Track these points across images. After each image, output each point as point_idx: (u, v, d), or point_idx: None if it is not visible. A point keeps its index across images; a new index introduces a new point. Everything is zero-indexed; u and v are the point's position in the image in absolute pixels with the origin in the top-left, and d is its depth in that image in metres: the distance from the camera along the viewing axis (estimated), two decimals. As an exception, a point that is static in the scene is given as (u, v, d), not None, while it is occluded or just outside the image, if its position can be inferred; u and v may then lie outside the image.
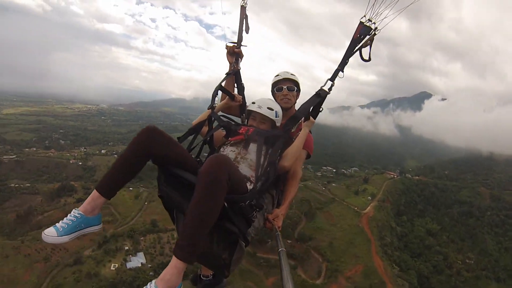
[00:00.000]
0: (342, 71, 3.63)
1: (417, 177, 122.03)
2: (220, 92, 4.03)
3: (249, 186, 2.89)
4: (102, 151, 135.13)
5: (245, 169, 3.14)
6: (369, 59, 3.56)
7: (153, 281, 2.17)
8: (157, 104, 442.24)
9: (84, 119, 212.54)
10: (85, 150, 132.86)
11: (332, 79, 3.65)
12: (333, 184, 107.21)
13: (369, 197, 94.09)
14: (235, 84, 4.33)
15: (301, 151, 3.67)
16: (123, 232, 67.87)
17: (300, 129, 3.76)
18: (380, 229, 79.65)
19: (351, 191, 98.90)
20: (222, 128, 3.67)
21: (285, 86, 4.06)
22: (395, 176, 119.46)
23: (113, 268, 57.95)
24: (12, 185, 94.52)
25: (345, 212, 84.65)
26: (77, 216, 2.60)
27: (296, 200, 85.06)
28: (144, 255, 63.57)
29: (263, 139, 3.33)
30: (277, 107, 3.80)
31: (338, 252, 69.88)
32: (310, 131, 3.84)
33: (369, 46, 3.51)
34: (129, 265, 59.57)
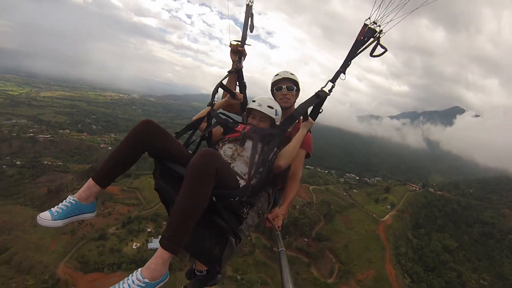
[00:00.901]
0: (344, 73, 3.72)
1: (439, 192, 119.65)
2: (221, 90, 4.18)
3: (242, 183, 2.98)
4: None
5: (241, 166, 3.19)
6: (385, 50, 3.59)
7: (139, 269, 2.29)
8: (188, 98, 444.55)
9: (115, 107, 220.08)
10: (115, 136, 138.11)
11: (333, 80, 3.73)
12: (355, 190, 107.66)
13: (388, 206, 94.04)
14: (237, 82, 4.41)
15: (300, 151, 3.75)
16: (147, 216, 71.15)
17: (299, 129, 3.83)
18: (396, 238, 79.79)
19: (371, 199, 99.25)
20: (220, 125, 3.76)
21: (284, 86, 4.10)
22: (417, 189, 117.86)
23: (135, 247, 61.30)
24: (46, 162, 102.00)
25: (363, 218, 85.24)
26: (72, 202, 2.71)
27: (317, 201, 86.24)
28: None
29: (259, 136, 3.38)
30: (277, 106, 3.85)
31: (352, 255, 70.74)
32: (309, 131, 3.91)
33: (378, 46, 3.55)
34: (150, 245, 62.71)
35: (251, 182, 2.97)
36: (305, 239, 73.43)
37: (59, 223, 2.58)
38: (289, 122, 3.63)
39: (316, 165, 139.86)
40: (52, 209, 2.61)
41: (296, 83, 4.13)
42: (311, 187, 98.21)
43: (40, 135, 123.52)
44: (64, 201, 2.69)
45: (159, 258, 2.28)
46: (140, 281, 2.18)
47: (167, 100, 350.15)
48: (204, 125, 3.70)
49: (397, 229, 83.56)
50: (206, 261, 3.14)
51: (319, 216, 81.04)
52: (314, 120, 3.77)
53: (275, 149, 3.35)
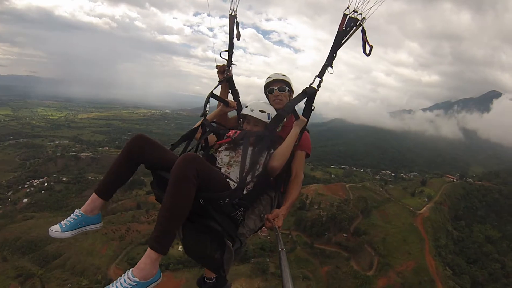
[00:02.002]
0: (331, 66, 3.60)
1: (479, 182, 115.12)
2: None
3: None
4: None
5: (236, 171, 3.30)
6: (370, 51, 3.53)
7: (131, 270, 2.43)
8: None
9: (149, 123, 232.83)
10: (191, 147, 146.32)
11: (320, 75, 3.62)
12: (390, 186, 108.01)
13: (425, 199, 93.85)
14: (229, 91, 4.43)
15: (300, 152, 3.77)
16: None
17: (285, 125, 3.85)
18: (435, 230, 79.48)
19: (407, 192, 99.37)
20: (212, 133, 3.79)
21: (276, 87, 4.08)
22: (455, 180, 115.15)
23: (180, 249, 66.15)
24: (89, 177, 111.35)
25: (400, 211, 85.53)
26: (78, 215, 2.96)
27: (354, 197, 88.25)
28: None
29: (247, 140, 3.46)
30: (270, 109, 3.83)
31: (391, 248, 71.64)
32: (307, 130, 3.90)
33: (363, 39, 3.50)
34: None
35: (247, 186, 3.12)
36: (344, 234, 75.26)
37: (67, 234, 2.86)
38: (276, 122, 3.61)
39: (351, 164, 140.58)
40: (61, 222, 2.90)
41: (287, 83, 4.14)
42: (347, 185, 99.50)
43: (82, 153, 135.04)
44: (71, 214, 2.97)
45: (148, 258, 2.44)
46: (131, 280, 2.35)
47: (198, 113, 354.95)
48: (199, 135, 3.79)
49: (435, 221, 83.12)
50: (210, 266, 3.31)
51: (356, 212, 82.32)
52: (307, 118, 3.69)
53: (267, 150, 3.42)
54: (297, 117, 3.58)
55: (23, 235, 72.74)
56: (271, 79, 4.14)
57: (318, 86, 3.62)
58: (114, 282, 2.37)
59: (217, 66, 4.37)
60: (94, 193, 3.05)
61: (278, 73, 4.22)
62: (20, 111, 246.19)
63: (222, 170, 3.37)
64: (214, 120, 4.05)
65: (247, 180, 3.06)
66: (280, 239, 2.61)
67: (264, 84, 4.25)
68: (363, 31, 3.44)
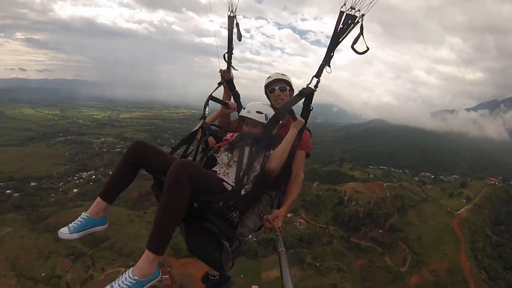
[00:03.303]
0: (329, 65, 3.60)
1: None
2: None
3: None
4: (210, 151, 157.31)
5: (229, 179, 3.38)
6: (367, 49, 3.44)
7: (131, 269, 2.66)
8: None
9: (189, 122, 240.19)
10: (192, 148, 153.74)
11: (318, 75, 3.62)
12: (428, 186, 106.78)
13: (463, 200, 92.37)
14: (230, 93, 4.59)
15: (300, 152, 3.85)
16: None
17: (285, 125, 3.98)
18: (472, 232, 78.55)
19: (445, 193, 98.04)
20: (211, 135, 3.96)
21: (277, 87, 4.11)
22: (497, 183, 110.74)
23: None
24: None
25: (437, 211, 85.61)
26: (84, 218, 3.20)
27: (391, 195, 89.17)
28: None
29: (244, 142, 3.58)
30: (268, 110, 3.89)
31: (426, 246, 72.23)
32: (309, 130, 3.99)
33: (360, 35, 3.40)
34: None
35: (246, 187, 3.33)
36: (379, 230, 77.03)
37: (75, 236, 3.14)
38: (272, 124, 3.68)
39: (390, 165, 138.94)
40: (69, 224, 3.18)
41: (288, 83, 4.16)
42: (385, 184, 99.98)
43: (125, 150, 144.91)
44: (79, 217, 3.23)
45: (146, 258, 2.66)
46: (131, 278, 2.59)
47: (236, 113, 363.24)
48: (200, 137, 3.91)
49: (473, 223, 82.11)
50: (211, 265, 3.45)
51: (392, 210, 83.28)
52: (305, 119, 3.69)
53: (264, 151, 3.54)
54: (294, 118, 3.60)
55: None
56: (272, 79, 4.20)
57: (316, 86, 3.65)
58: (117, 279, 2.68)
59: (220, 71, 4.54)
60: (98, 197, 3.32)
61: (278, 73, 4.28)
62: (68, 111, 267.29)
63: (222, 170, 3.49)
64: (214, 123, 4.29)
65: (244, 182, 3.25)
66: (279, 239, 2.68)
67: (264, 84, 4.31)
68: (361, 28, 3.39)
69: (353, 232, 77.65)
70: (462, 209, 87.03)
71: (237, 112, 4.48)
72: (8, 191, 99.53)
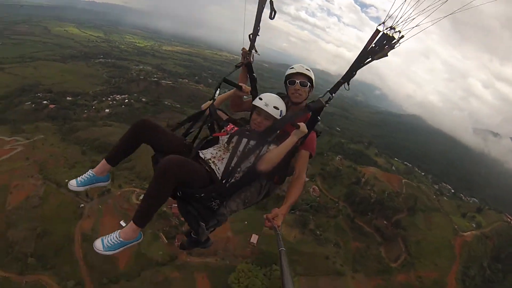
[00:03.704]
0: (348, 84, 3.53)
1: None
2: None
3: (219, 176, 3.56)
4: (245, 96, 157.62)
5: (221, 166, 3.64)
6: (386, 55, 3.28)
7: (118, 231, 3.31)
8: None
9: (230, 67, 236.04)
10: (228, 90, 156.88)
11: (332, 91, 3.60)
12: (445, 198, 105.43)
13: (473, 225, 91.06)
14: (248, 76, 4.66)
15: (304, 153, 3.99)
16: None
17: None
18: (470, 258, 77.99)
19: (459, 211, 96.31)
20: (209, 125, 4.21)
21: (298, 81, 4.07)
22: None
23: None
24: (166, 103, 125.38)
25: (444, 224, 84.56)
26: (90, 175, 3.78)
27: (406, 193, 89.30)
28: None
29: (241, 140, 3.69)
30: (283, 106, 3.92)
31: (422, 252, 73.05)
32: (315, 131, 4.05)
33: (385, 56, 3.28)
34: None
35: (236, 176, 3.58)
36: (385, 221, 78.07)
37: (81, 188, 3.75)
38: (269, 133, 3.75)
39: (414, 164, 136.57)
40: (78, 178, 3.77)
41: (310, 79, 4.12)
42: (404, 180, 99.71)
43: (163, 81, 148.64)
44: (86, 173, 3.82)
45: (130, 227, 3.27)
46: (117, 239, 3.28)
47: (280, 68, 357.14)
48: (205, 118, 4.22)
49: (474, 250, 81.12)
50: (192, 230, 3.81)
51: (403, 207, 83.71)
52: (309, 129, 3.67)
53: (256, 152, 3.62)
54: (297, 127, 3.56)
55: (101, 137, 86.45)
56: (295, 71, 4.14)
57: (327, 102, 3.62)
58: (107, 236, 3.36)
59: (243, 50, 4.52)
60: (104, 160, 3.82)
61: (302, 66, 4.18)
62: (111, 35, 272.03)
63: (219, 153, 3.76)
64: (222, 113, 4.36)
65: (229, 178, 3.51)
66: (280, 239, 2.75)
67: (286, 74, 4.25)
68: (392, 47, 3.23)
69: (360, 215, 79.15)
70: (469, 232, 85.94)
71: (251, 96, 4.63)
72: (45, 102, 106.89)
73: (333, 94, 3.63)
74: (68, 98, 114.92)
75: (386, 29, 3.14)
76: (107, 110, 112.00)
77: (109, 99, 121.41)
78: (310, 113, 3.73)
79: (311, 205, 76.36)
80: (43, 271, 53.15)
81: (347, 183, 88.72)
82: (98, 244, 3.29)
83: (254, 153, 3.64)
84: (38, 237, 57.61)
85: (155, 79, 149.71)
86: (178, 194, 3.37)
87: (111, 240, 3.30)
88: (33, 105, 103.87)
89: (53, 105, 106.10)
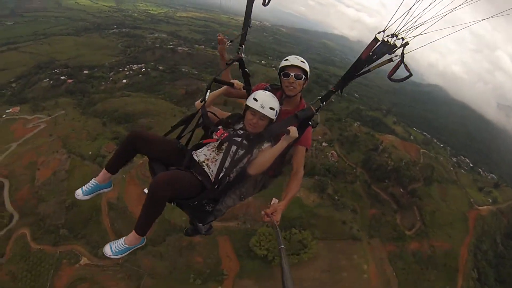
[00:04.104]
0: (341, 93, 3.51)
1: None
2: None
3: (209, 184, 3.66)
4: (262, 61, 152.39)
5: (214, 168, 3.74)
6: (409, 75, 3.12)
7: (123, 238, 3.65)
8: (319, 35, 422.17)
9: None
10: (245, 57, 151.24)
11: (323, 100, 3.63)
12: (462, 171, 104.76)
13: (489, 200, 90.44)
14: (240, 71, 4.53)
15: (301, 148, 4.05)
16: None
17: (291, 113, 3.92)
18: (483, 232, 78.20)
19: (475, 185, 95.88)
20: (203, 127, 4.26)
21: (292, 74, 3.95)
22: None
23: None
24: (183, 69, 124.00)
25: (460, 196, 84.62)
26: (94, 184, 4.08)
27: (423, 162, 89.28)
28: None
29: (230, 147, 3.77)
30: (278, 105, 3.91)
31: (436, 222, 73.46)
32: (313, 126, 3.91)
33: (401, 64, 3.05)
34: None
35: (230, 176, 3.71)
36: (401, 189, 77.90)
37: (87, 197, 4.08)
38: (256, 142, 3.79)
39: (433, 135, 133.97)
40: (83, 187, 4.05)
41: (305, 71, 4.00)
42: (421, 150, 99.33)
43: (179, 48, 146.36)
44: (89, 183, 4.10)
45: (133, 236, 3.60)
46: (122, 245, 3.66)
47: (297, 33, 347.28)
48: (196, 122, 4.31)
49: (488, 224, 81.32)
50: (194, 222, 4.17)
51: (419, 176, 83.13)
52: (299, 134, 3.67)
53: (246, 157, 3.73)
54: (287, 132, 3.56)
55: (120, 108, 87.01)
56: (289, 63, 4.01)
57: (317, 110, 3.66)
58: (114, 241, 3.68)
59: (219, 36, 4.51)
60: (104, 169, 4.06)
61: (297, 58, 4.06)
62: (123, 4, 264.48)
63: (213, 155, 3.85)
64: (211, 111, 4.32)
65: (220, 184, 3.64)
66: (279, 236, 2.71)
67: (280, 66, 4.12)
68: (402, 57, 3.01)
69: (377, 181, 79.31)
70: (484, 207, 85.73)
71: (245, 91, 4.50)
72: (62, 77, 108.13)
73: (324, 103, 3.62)
74: (84, 72, 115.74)
75: (387, 36, 2.99)
76: (124, 81, 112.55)
77: (125, 69, 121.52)
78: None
79: (329, 169, 76.63)
80: (75, 241, 56.20)
81: (365, 150, 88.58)
82: (107, 250, 3.66)
83: (244, 159, 3.74)
84: (67, 210, 60.07)
85: (171, 46, 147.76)
86: (172, 204, 3.60)
87: (118, 246, 3.66)
88: (51, 82, 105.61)
89: (71, 80, 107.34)
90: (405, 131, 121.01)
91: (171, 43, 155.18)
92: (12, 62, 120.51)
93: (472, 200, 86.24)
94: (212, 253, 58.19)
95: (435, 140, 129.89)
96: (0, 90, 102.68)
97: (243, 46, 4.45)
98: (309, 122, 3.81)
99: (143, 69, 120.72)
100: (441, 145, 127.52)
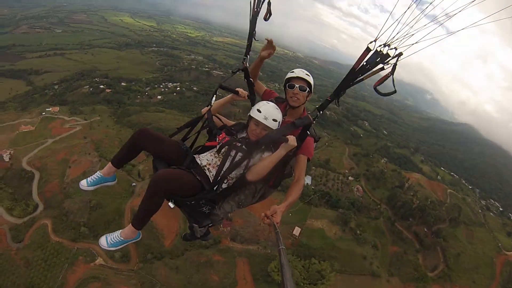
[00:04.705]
0: (337, 102, 3.54)
1: None
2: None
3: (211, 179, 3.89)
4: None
5: (215, 172, 3.92)
6: (394, 91, 3.13)
7: (119, 231, 3.82)
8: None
9: (280, 61, 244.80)
10: (279, 86, 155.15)
11: (320, 109, 3.68)
12: (491, 214, 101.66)
13: None
14: (245, 80, 4.72)
15: (302, 157, 4.09)
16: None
17: (288, 121, 4.13)
18: (511, 278, 74.35)
19: (504, 230, 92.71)
20: (207, 130, 4.45)
21: (297, 85, 4.15)
22: None
23: None
24: (217, 93, 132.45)
25: (487, 240, 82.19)
26: (98, 176, 4.27)
27: (450, 203, 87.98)
28: (311, 179, 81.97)
29: (230, 151, 3.93)
30: (280, 116, 4.04)
31: (460, 265, 71.65)
32: (315, 138, 4.16)
33: (391, 76, 3.07)
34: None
35: (229, 182, 3.94)
36: (425, 229, 76.95)
37: (91, 188, 4.27)
38: (255, 148, 3.89)
39: (462, 176, 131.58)
40: (87, 178, 4.27)
41: (309, 84, 4.21)
42: (448, 190, 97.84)
43: (214, 71, 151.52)
44: (94, 174, 4.30)
45: (129, 229, 3.75)
46: (118, 238, 3.79)
47: (330, 66, 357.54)
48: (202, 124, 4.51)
49: None
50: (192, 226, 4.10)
51: (445, 217, 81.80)
52: (299, 143, 3.81)
53: (246, 161, 3.87)
54: (286, 140, 3.69)
55: (153, 122, 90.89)
56: (295, 75, 4.21)
57: (315, 118, 3.76)
58: (110, 234, 3.88)
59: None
60: (110, 163, 4.29)
61: (303, 71, 4.27)
62: (163, 25, 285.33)
63: (215, 160, 4.09)
64: (217, 114, 4.58)
65: (218, 186, 3.85)
66: (279, 237, 2.65)
67: (286, 77, 4.33)
68: (394, 69, 3.02)
69: (400, 219, 78.80)
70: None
71: (249, 99, 4.72)
72: (101, 86, 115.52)
73: (321, 112, 3.72)
74: (122, 84, 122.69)
75: (380, 46, 3.03)
76: (159, 97, 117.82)
77: (161, 86, 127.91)
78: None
79: (353, 203, 77.31)
80: (94, 241, 56.90)
81: (390, 186, 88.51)
82: (103, 241, 3.85)
83: (242, 164, 3.89)
84: (91, 209, 62.72)
85: (207, 69, 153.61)
86: (171, 201, 3.82)
87: (113, 238, 3.84)
88: (91, 89, 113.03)
89: (109, 90, 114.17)
90: (432, 171, 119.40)
91: (206, 66, 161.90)
92: (57, 66, 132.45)
93: (500, 244, 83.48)
94: (229, 273, 58.57)
95: (464, 181, 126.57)
96: (43, 90, 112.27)
97: (248, 56, 4.67)
98: (308, 132, 3.91)
99: (178, 88, 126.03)
100: (470, 187, 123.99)
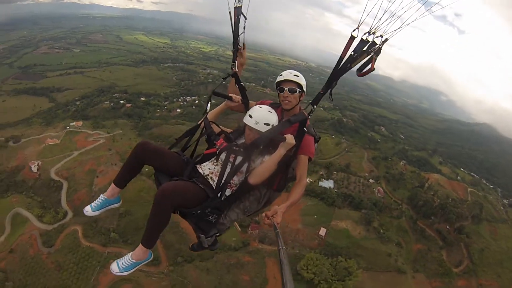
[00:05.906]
0: (331, 95, 3.58)
1: None
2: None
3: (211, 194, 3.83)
4: (309, 101, 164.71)
5: (217, 179, 3.89)
6: (367, 72, 3.28)
7: (130, 253, 3.73)
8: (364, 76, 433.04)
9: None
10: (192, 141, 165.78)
11: (314, 103, 3.68)
12: None
13: None
14: (236, 85, 4.66)
15: (303, 157, 4.05)
16: (322, 163, 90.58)
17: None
18: None
19: None
20: (206, 138, 4.39)
21: (286, 88, 4.10)
22: None
23: (308, 181, 77.35)
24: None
25: (511, 236, 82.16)
26: (103, 199, 4.15)
27: (471, 201, 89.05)
28: (334, 183, 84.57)
29: (229, 156, 3.92)
30: (274, 119, 4.01)
31: (485, 260, 72.29)
32: (314, 137, 4.20)
33: (372, 59, 3.18)
34: (321, 183, 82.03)
35: (232, 188, 3.91)
36: (447, 226, 78.15)
37: (96, 213, 4.15)
38: (254, 149, 3.87)
39: (483, 176, 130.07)
40: (91, 204, 4.15)
41: (299, 85, 4.12)
42: (469, 189, 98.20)
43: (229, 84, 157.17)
44: (98, 198, 4.21)
45: (140, 249, 3.69)
46: (129, 261, 3.72)
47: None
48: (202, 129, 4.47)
49: None
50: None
51: (467, 214, 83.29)
52: (298, 141, 3.80)
53: (246, 165, 3.88)
54: (283, 139, 3.70)
55: (174, 134, 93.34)
56: (283, 78, 4.18)
57: (309, 114, 3.77)
58: (121, 258, 3.84)
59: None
60: (112, 184, 4.30)
61: (290, 73, 4.22)
62: (177, 41, 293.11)
63: (217, 168, 4.11)
64: (214, 121, 4.56)
65: (221, 192, 3.84)
66: (280, 237, 2.67)
67: (275, 81, 4.30)
68: (378, 53, 3.13)
69: (422, 217, 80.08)
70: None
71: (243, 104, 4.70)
72: (122, 101, 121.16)
73: (315, 106, 3.74)
74: (141, 99, 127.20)
75: (364, 34, 3.09)
76: (178, 110, 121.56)
77: (179, 100, 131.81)
78: (298, 123, 3.88)
79: (375, 204, 79.35)
80: (124, 246, 59.66)
81: (410, 187, 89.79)
82: (114, 267, 3.78)
83: (242, 168, 3.91)
84: (120, 216, 65.55)
85: (223, 82, 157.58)
86: (176, 213, 3.75)
87: (125, 262, 3.81)
88: (111, 104, 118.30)
89: (129, 105, 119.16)
90: (452, 172, 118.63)
91: (222, 79, 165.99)
92: (77, 83, 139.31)
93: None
94: (259, 272, 60.27)
95: (484, 181, 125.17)
96: (65, 106, 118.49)
97: (236, 61, 4.70)
98: (305, 128, 3.85)
99: (196, 101, 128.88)
100: (491, 186, 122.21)
